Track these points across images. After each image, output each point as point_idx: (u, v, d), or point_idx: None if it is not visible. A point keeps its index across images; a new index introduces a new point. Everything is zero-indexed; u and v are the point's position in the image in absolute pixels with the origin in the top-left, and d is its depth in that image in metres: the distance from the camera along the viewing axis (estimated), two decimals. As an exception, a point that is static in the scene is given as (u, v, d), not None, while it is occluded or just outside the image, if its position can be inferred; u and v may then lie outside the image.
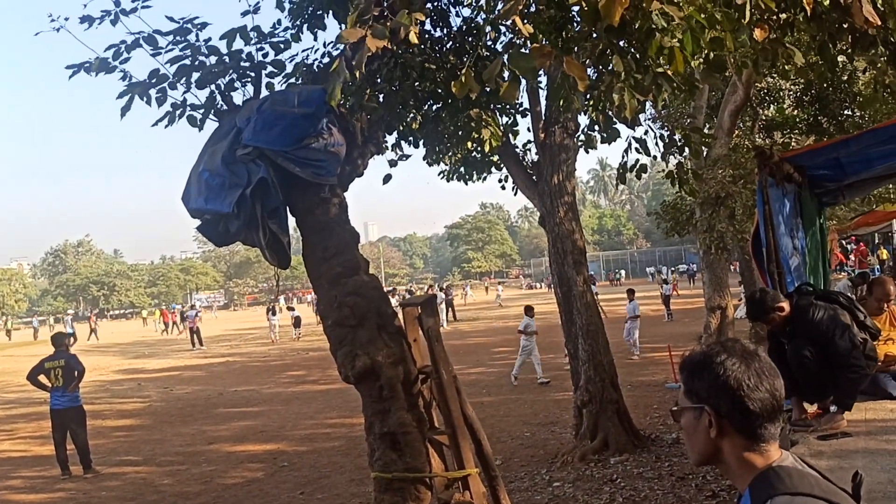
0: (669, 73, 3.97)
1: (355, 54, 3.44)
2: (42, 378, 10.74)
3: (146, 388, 20.21)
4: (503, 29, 9.19)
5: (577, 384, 9.36)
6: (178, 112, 5.35)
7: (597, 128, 6.64)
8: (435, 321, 4.92)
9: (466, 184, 10.60)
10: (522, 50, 4.66)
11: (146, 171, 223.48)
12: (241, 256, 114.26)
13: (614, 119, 5.61)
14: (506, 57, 3.31)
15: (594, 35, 3.57)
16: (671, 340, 17.84)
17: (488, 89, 6.51)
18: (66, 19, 5.00)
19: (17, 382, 23.80)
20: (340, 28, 7.52)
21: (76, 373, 10.80)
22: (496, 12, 9.22)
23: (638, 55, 4.04)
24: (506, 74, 3.84)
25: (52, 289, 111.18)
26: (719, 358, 1.68)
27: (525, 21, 4.15)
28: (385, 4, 3.52)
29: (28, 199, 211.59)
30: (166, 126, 5.41)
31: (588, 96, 5.96)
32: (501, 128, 9.21)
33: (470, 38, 8.21)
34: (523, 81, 6.43)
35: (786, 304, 5.32)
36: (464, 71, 3.27)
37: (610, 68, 3.67)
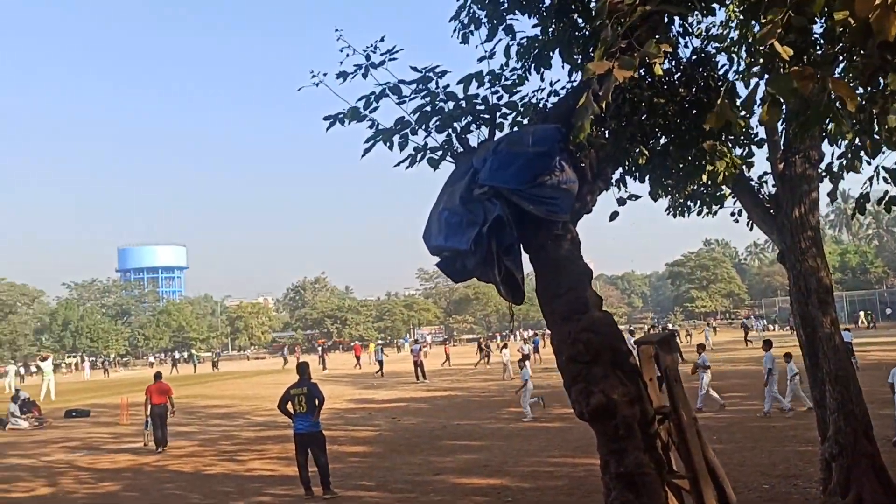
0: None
1: (602, 87, 3.46)
2: (288, 405, 11.71)
3: (376, 418, 21.28)
4: (735, 58, 8.87)
5: (825, 435, 8.58)
6: (418, 155, 5.67)
7: (862, 153, 6.09)
8: (673, 360, 4.76)
9: (685, 217, 10.16)
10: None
11: (376, 209, 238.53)
12: (460, 293, 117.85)
13: (883, 144, 5.17)
14: (763, 81, 3.17)
15: (863, 53, 3.31)
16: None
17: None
18: (325, 74, 5.53)
19: (266, 407, 26.08)
20: (563, 67, 7.64)
21: (316, 401, 11.62)
22: (729, 41, 8.93)
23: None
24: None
25: (293, 322, 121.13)
26: None
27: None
28: (631, 37, 3.51)
29: (272, 239, 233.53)
30: (407, 168, 5.76)
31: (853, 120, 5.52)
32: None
33: (700, 69, 7.97)
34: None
35: None
36: (719, 101, 3.17)
37: (881, 87, 3.38)
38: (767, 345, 18.11)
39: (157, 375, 18.94)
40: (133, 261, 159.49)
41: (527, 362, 18.95)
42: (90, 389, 43.33)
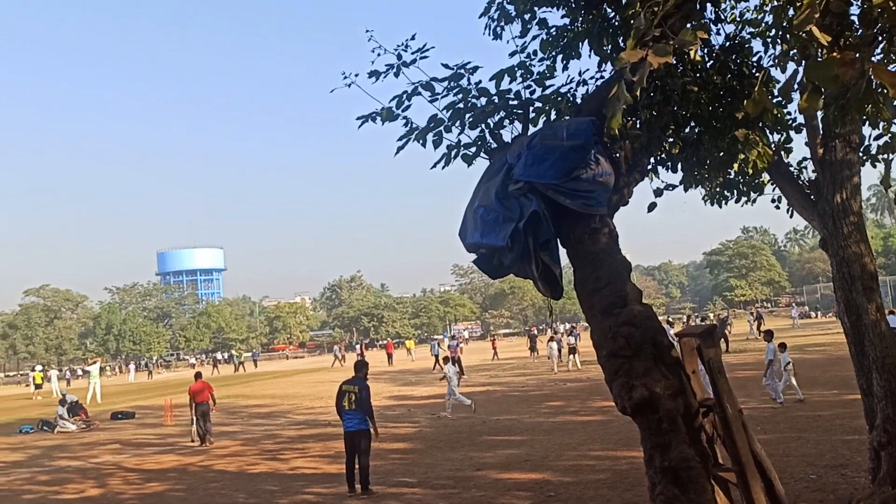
0: None
1: (635, 75, 3.42)
2: (344, 402, 11.81)
3: (415, 414, 21.36)
4: (770, 43, 8.70)
5: (873, 423, 8.41)
6: (452, 153, 5.67)
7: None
8: (716, 352, 4.70)
9: (721, 206, 10.02)
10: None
11: (410, 207, 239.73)
12: (495, 288, 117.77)
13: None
14: (801, 69, 3.11)
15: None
16: None
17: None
18: (356, 75, 5.56)
19: (306, 406, 26.37)
20: (590, 57, 7.57)
21: (363, 400, 11.68)
22: (764, 25, 8.77)
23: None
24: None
25: (330, 320, 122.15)
26: None
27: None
28: (665, 25, 3.46)
29: (307, 239, 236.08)
30: (443, 167, 5.77)
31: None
32: (772, 146, 8.66)
33: (734, 56, 7.85)
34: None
35: None
36: (757, 88, 3.13)
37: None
38: (769, 335, 18.22)
39: (198, 375, 20.17)
40: (172, 264, 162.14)
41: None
42: (134, 391, 44.15)
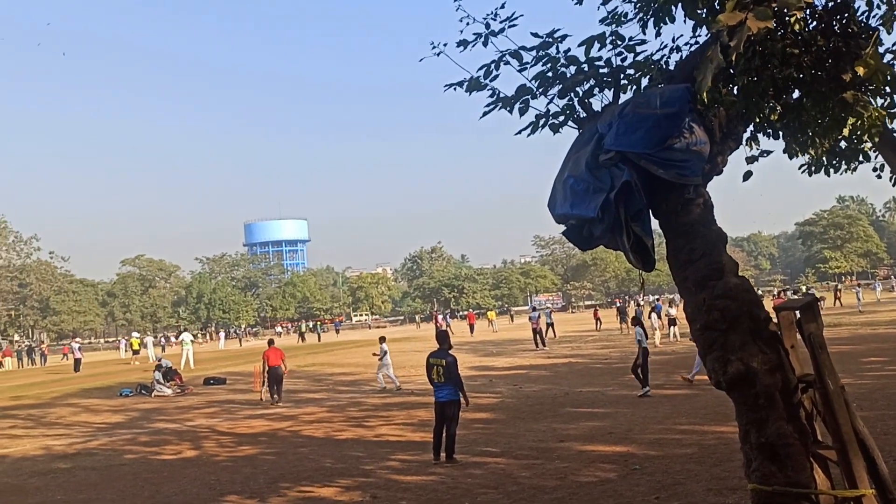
0: None
1: (732, 39, 3.28)
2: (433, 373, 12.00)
3: (497, 385, 21.44)
4: (876, 1, 8.22)
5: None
6: (540, 122, 5.60)
7: None
8: (817, 326, 4.53)
9: (829, 175, 9.61)
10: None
11: (490, 178, 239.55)
12: (577, 260, 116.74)
13: None
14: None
15: None
16: None
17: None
18: (445, 45, 5.54)
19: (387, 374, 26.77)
20: (685, 22, 7.30)
21: (451, 372, 11.79)
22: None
23: None
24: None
25: (411, 291, 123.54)
26: None
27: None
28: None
29: (389, 210, 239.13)
30: (528, 135, 5.70)
31: None
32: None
33: (839, 17, 7.45)
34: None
35: None
36: (870, 49, 2.96)
37: None
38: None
39: (271, 342, 22.11)
40: (259, 235, 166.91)
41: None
42: (225, 358, 45.83)
